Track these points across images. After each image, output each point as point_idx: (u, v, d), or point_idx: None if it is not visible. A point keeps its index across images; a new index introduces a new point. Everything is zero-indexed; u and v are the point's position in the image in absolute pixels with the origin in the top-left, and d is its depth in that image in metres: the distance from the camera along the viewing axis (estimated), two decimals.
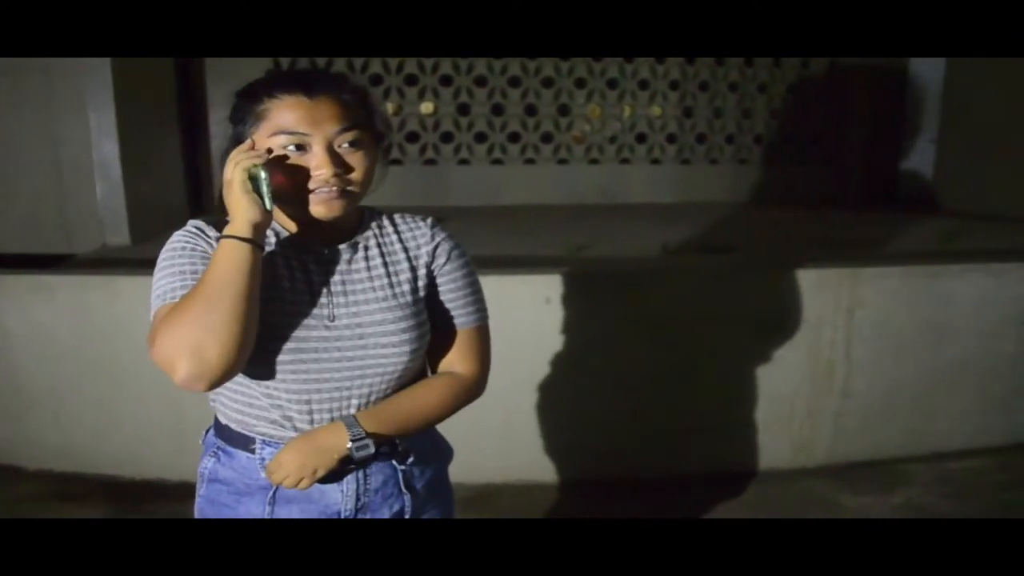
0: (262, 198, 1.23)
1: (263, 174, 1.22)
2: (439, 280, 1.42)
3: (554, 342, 3.25)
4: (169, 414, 3.20)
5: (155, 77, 4.60)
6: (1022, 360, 3.64)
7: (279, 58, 5.06)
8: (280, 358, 1.29)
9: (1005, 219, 5.15)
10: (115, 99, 4.01)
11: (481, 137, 5.82)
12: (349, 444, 1.30)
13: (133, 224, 4.18)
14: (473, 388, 1.46)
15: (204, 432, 1.48)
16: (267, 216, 1.24)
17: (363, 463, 1.35)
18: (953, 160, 6.10)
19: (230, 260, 1.19)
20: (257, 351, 1.25)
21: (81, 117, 4.05)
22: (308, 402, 1.32)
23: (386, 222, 1.43)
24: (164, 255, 1.30)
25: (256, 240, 1.21)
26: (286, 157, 1.26)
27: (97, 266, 3.64)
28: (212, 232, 1.32)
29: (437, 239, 1.43)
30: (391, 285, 1.37)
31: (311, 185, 1.27)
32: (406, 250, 1.41)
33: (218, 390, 1.34)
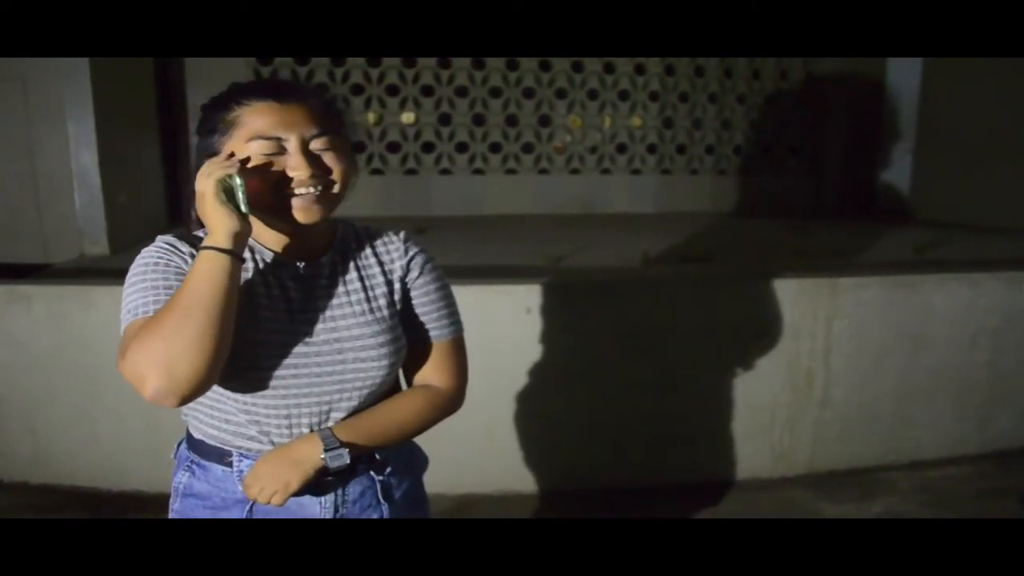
0: (238, 207, 1.21)
1: (238, 181, 1.20)
2: (413, 293, 1.42)
3: (534, 352, 3.25)
4: (147, 426, 3.18)
5: (134, 85, 4.57)
6: (998, 369, 3.68)
7: (260, 61, 5.07)
8: (259, 375, 1.28)
9: (982, 229, 5.21)
10: (94, 107, 3.98)
11: (462, 147, 5.82)
12: (323, 454, 1.28)
13: (112, 234, 4.15)
14: (451, 401, 1.46)
15: (176, 445, 1.46)
16: (246, 226, 1.22)
17: (341, 475, 1.34)
18: (930, 170, 6.17)
19: (209, 272, 1.17)
20: (235, 368, 1.24)
21: (59, 126, 4.02)
22: (287, 416, 1.31)
23: (360, 236, 1.43)
24: (135, 270, 1.28)
25: (236, 251, 1.19)
26: (260, 164, 1.25)
27: (74, 276, 3.61)
28: (185, 247, 1.29)
29: (411, 253, 1.43)
30: (367, 300, 1.37)
31: (288, 188, 1.26)
32: (380, 264, 1.41)
33: (193, 405, 1.33)
